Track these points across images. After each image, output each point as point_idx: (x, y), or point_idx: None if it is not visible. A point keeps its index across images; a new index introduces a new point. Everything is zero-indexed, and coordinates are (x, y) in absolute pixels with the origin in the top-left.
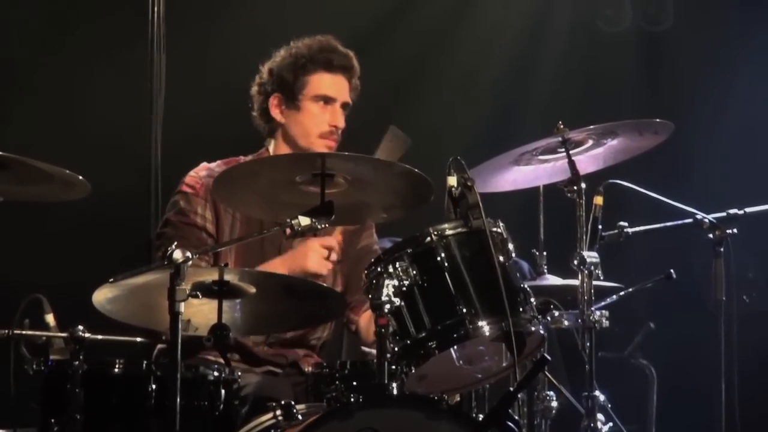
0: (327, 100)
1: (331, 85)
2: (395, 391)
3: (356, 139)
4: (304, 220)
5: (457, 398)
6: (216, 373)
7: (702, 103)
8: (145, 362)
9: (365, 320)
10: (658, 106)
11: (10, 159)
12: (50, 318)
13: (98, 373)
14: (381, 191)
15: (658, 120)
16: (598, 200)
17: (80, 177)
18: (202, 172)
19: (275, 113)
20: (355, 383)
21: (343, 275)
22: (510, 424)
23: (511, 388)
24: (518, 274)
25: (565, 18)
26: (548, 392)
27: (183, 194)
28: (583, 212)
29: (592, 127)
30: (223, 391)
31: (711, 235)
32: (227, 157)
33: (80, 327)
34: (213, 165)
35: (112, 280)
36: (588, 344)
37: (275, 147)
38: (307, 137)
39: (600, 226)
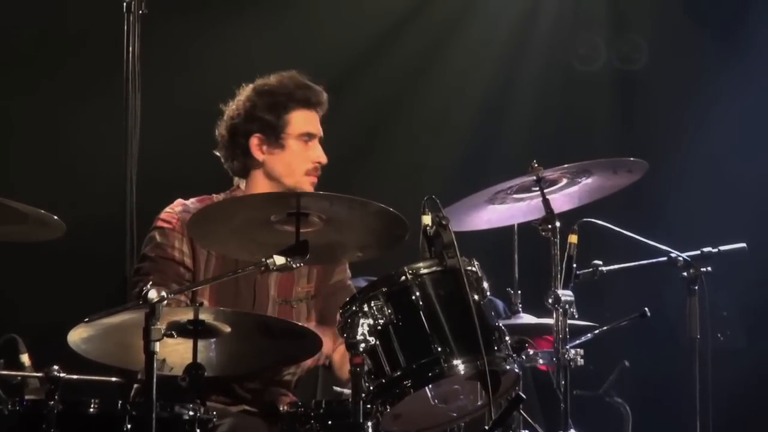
0: (310, 137)
1: (311, 121)
2: (370, 430)
3: (332, 178)
4: (280, 260)
5: None
6: (191, 413)
7: (676, 142)
8: (120, 402)
9: (339, 355)
10: (632, 144)
11: None
12: (25, 358)
13: (73, 413)
14: (356, 230)
15: (632, 159)
16: (573, 239)
17: (55, 217)
18: (177, 207)
19: (257, 153)
20: (330, 422)
21: (316, 310)
22: None
23: (486, 427)
24: (493, 313)
25: (539, 57)
26: (523, 431)
27: (159, 229)
28: (558, 251)
29: (566, 165)
30: (198, 431)
31: (685, 274)
32: (202, 195)
33: (55, 367)
34: (188, 202)
35: (87, 319)
36: (563, 382)
37: (252, 185)
38: (293, 175)
39: (575, 265)
